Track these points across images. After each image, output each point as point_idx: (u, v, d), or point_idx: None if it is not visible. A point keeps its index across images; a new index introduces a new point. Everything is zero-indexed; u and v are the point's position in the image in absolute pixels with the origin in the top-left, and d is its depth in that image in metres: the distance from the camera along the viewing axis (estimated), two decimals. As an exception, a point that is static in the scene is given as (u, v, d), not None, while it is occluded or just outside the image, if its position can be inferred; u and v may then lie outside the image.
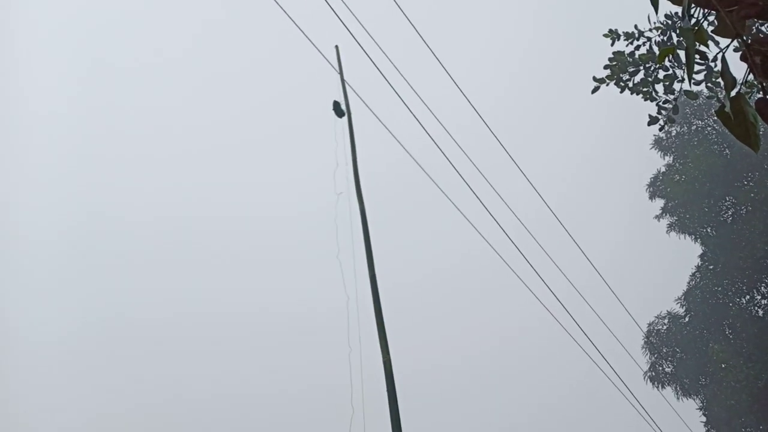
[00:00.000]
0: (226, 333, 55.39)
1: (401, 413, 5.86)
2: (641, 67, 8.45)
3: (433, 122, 9.94)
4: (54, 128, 64.41)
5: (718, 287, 17.65)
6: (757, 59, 2.29)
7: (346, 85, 9.20)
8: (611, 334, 13.81)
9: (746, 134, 2.26)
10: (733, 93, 2.30)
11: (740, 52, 2.30)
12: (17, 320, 51.25)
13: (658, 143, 20.37)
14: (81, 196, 62.47)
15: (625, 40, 8.33)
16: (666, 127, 8.91)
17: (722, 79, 2.26)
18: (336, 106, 8.98)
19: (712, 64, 7.99)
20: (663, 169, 20.41)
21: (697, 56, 6.04)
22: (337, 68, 9.11)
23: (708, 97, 11.26)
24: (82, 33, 70.51)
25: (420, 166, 9.75)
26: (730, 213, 18.37)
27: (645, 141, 20.87)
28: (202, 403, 48.58)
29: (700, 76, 8.06)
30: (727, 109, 2.26)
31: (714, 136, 19.40)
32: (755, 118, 2.22)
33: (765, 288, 17.31)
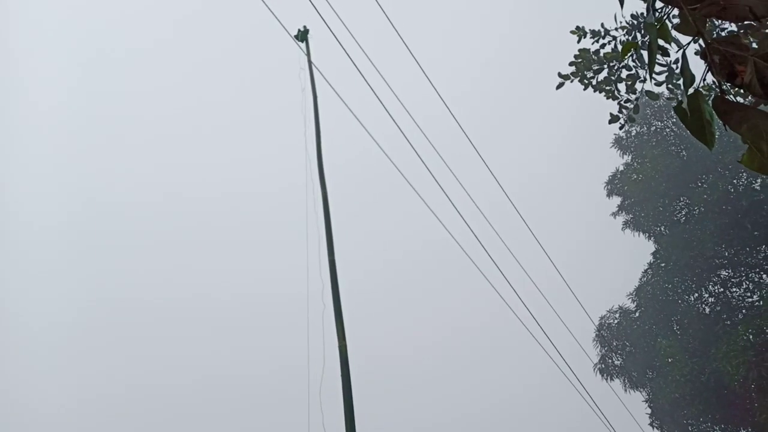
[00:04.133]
0: (191, 315, 55.86)
1: (356, 398, 5.90)
2: (605, 66, 8.58)
3: (401, 111, 9.93)
4: (51, 118, 66.15)
5: (669, 284, 18.19)
6: (716, 58, 2.32)
7: (314, 68, 9.07)
8: (564, 327, 14.10)
9: (701, 131, 2.29)
10: (691, 90, 2.33)
11: (700, 51, 2.34)
12: (18, 304, 52.93)
13: (618, 142, 20.82)
14: (76, 182, 64.30)
15: (591, 37, 8.43)
16: (626, 126, 9.08)
17: (681, 75, 2.29)
18: (300, 33, 8.90)
19: (674, 66, 8.17)
20: (621, 168, 20.89)
21: (659, 52, 6.16)
22: (304, 50, 8.97)
23: (668, 99, 11.52)
24: (75, 25, 72.64)
25: (384, 152, 9.69)
26: (683, 213, 18.93)
27: (609, 140, 21.33)
28: (164, 388, 49.46)
29: (661, 77, 8.22)
30: (685, 105, 2.29)
31: (672, 138, 19.92)
32: (711, 116, 2.26)
33: (713, 286, 17.93)
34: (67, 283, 56.53)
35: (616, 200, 21.00)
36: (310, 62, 9.05)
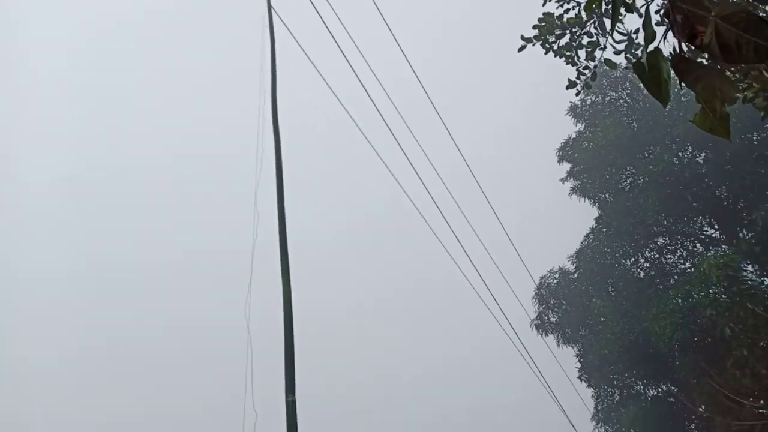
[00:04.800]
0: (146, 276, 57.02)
1: (297, 353, 5.86)
2: (567, 31, 8.67)
3: (366, 72, 9.85)
4: (51, 82, 69.80)
5: (608, 249, 18.99)
6: (679, 17, 2.38)
7: (275, 16, 8.80)
8: (507, 285, 14.59)
9: (658, 88, 2.36)
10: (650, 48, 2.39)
11: (663, 8, 2.40)
12: (17, 258, 58.18)
13: (572, 110, 21.21)
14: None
15: (556, 2, 8.49)
16: (582, 93, 9.25)
17: (643, 30, 2.37)
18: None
19: (633, 36, 8.34)
20: (574, 135, 21.37)
21: (623, 7, 6.27)
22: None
23: (626, 68, 11.77)
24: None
25: (348, 112, 9.65)
26: (628, 182, 19.60)
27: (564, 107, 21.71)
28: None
29: (620, 47, 8.38)
30: (644, 60, 2.34)
31: (625, 109, 20.44)
32: (668, 75, 2.33)
33: (649, 252, 18.82)
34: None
35: (567, 166, 21.54)
36: (270, 6, 8.81)
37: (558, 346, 19.61)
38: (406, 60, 10.89)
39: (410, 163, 11.02)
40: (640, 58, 2.38)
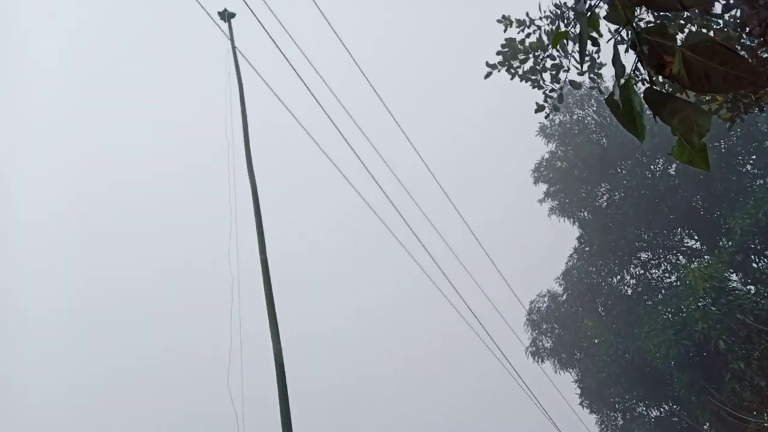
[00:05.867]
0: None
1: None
2: (531, 55, 8.65)
3: (321, 85, 9.77)
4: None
5: (593, 267, 18.85)
6: (645, 48, 2.26)
7: (237, 54, 8.70)
8: (499, 315, 14.34)
9: (632, 122, 2.23)
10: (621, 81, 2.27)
11: (629, 41, 2.27)
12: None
13: (542, 131, 21.33)
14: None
15: (517, 27, 8.48)
16: (551, 115, 9.21)
17: (613, 66, 2.22)
18: (223, 13, 8.69)
19: (596, 56, 8.33)
20: (546, 156, 21.44)
21: (589, 41, 6.21)
22: (227, 33, 8.60)
23: (590, 88, 11.80)
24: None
25: (303, 126, 9.47)
26: (604, 198, 19.63)
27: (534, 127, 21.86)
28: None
29: (584, 67, 8.37)
30: (616, 96, 2.22)
31: (593, 126, 20.60)
32: (641, 107, 2.21)
33: (634, 269, 18.72)
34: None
35: (542, 187, 21.56)
36: (233, 46, 8.69)
37: (555, 372, 19.24)
38: (368, 81, 10.80)
39: (389, 200, 10.84)
40: (612, 94, 2.26)
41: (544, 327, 20.06)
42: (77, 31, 77.39)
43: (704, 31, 7.01)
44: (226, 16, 8.65)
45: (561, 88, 8.58)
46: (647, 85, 2.22)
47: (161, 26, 76.39)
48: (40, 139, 71.90)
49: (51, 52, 76.32)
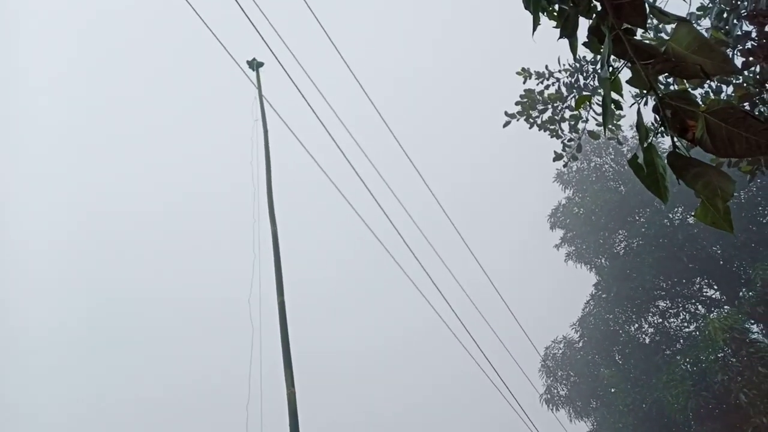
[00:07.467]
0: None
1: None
2: (549, 106, 8.84)
3: (345, 134, 9.97)
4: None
5: (610, 315, 18.65)
6: (668, 112, 2.36)
7: (264, 101, 8.98)
8: (513, 359, 14.18)
9: (656, 185, 2.31)
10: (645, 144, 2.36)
11: (653, 104, 2.38)
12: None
13: (559, 177, 21.47)
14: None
15: (536, 79, 8.70)
16: (569, 164, 9.34)
17: (637, 131, 2.33)
18: (251, 62, 8.97)
19: (614, 107, 8.49)
20: (563, 202, 21.51)
21: (612, 104, 6.37)
22: (256, 84, 8.88)
23: (609, 139, 11.95)
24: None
25: (321, 167, 9.64)
26: (622, 246, 19.55)
27: (551, 173, 22.01)
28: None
29: (606, 129, 8.53)
30: (640, 159, 2.30)
31: (611, 174, 20.69)
32: (664, 170, 2.28)
33: (652, 317, 18.49)
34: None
35: (558, 233, 21.55)
36: (261, 95, 8.96)
37: (570, 421, 18.85)
38: (391, 132, 11.01)
39: (400, 235, 10.92)
40: (636, 156, 2.36)
41: (560, 374, 19.75)
42: (106, 60, 79.49)
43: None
44: (255, 65, 8.96)
45: (579, 138, 8.73)
46: (669, 148, 2.33)
47: (192, 61, 78.61)
48: (52, 164, 73.30)
49: (76, 78, 77.92)
